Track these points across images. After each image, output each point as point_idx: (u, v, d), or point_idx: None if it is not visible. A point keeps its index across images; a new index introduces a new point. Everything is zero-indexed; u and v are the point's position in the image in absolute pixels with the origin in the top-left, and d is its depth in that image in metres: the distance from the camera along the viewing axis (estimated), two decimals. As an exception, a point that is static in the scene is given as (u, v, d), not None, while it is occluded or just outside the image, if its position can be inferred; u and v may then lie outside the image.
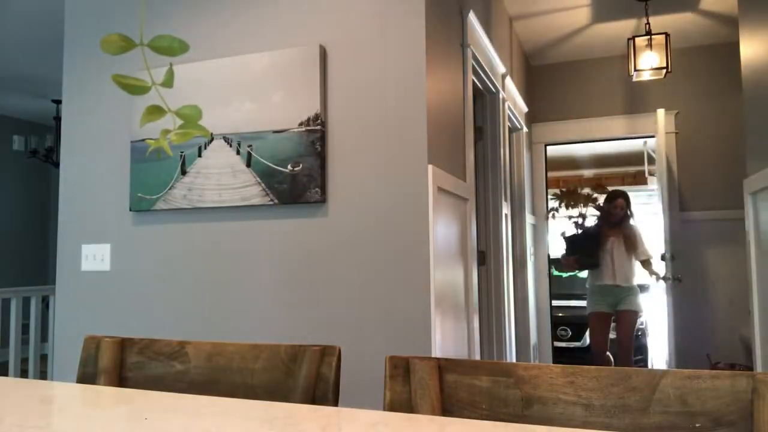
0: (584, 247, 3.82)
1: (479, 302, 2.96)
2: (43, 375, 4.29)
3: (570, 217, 4.13)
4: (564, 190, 3.95)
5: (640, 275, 4.01)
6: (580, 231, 4.00)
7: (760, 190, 2.17)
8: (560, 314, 4.75)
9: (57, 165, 5.31)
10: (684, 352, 4.09)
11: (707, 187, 4.12)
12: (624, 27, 3.85)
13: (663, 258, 3.81)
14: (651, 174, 6.11)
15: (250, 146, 2.04)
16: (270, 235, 2.04)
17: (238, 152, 2.06)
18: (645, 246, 3.90)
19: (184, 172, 2.13)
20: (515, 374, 0.82)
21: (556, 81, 4.53)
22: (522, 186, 3.90)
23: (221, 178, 2.08)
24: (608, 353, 3.91)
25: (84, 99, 2.39)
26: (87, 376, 1.08)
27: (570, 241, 3.93)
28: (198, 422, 0.73)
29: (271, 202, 2.00)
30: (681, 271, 4.13)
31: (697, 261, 4.11)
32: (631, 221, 3.91)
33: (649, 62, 3.47)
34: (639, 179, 7.07)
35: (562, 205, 3.96)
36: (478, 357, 2.51)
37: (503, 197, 3.18)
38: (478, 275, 2.86)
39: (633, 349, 3.88)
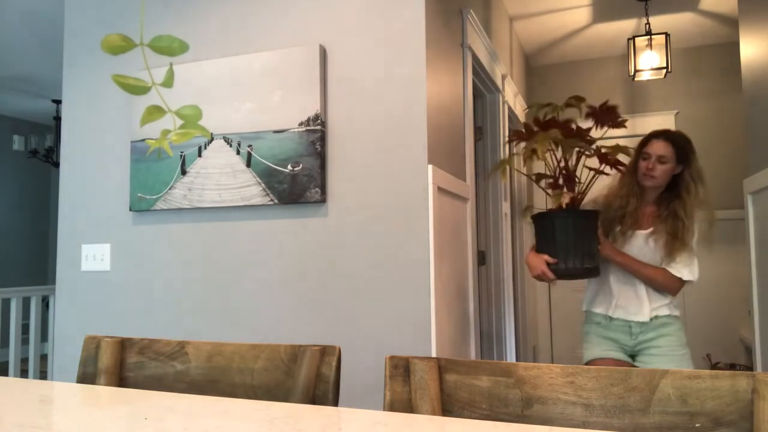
0: (569, 238, 1.90)
1: (479, 302, 2.97)
2: (43, 375, 4.29)
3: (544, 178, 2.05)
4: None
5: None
6: (564, 205, 1.93)
7: (760, 190, 2.17)
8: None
9: (57, 165, 5.31)
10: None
11: (707, 187, 4.12)
12: (624, 27, 3.85)
13: None
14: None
15: (250, 146, 2.04)
16: (270, 235, 2.04)
17: (238, 152, 2.06)
18: (694, 249, 2.00)
19: (184, 172, 2.13)
20: (515, 374, 0.82)
21: (556, 81, 4.53)
22: (522, 186, 3.90)
23: (221, 178, 2.08)
24: None
25: (84, 99, 2.39)
26: (87, 376, 1.08)
27: (544, 225, 1.97)
28: (198, 422, 0.73)
29: (271, 202, 2.00)
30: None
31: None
32: (688, 192, 2.02)
33: (649, 62, 3.47)
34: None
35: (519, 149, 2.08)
36: (478, 357, 2.51)
37: (503, 197, 3.18)
38: (478, 275, 2.87)
39: None
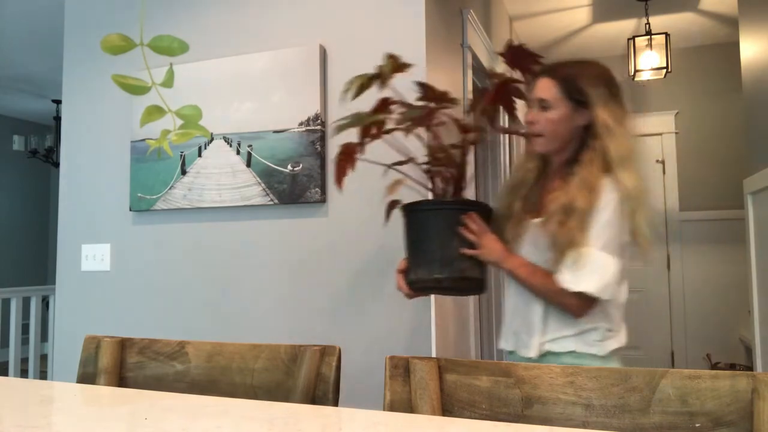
0: (414, 238, 1.41)
1: (479, 302, 2.96)
2: (43, 375, 4.29)
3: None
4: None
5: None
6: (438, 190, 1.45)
7: (760, 190, 2.17)
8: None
9: (57, 165, 5.31)
10: (684, 352, 4.10)
11: (707, 187, 4.12)
12: (624, 27, 3.85)
13: None
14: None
15: (250, 146, 2.04)
16: (270, 235, 2.04)
17: (238, 152, 2.06)
18: (599, 241, 1.24)
19: (184, 172, 2.13)
20: (515, 374, 0.81)
21: (556, 81, 4.53)
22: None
23: (221, 178, 2.07)
24: None
25: (84, 99, 2.39)
26: (87, 376, 1.08)
27: (414, 220, 1.42)
28: (198, 422, 0.73)
29: (271, 202, 2.00)
30: (681, 271, 4.14)
31: (696, 261, 4.11)
32: (592, 152, 1.29)
33: (649, 62, 3.47)
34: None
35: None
36: (478, 357, 2.51)
37: (503, 197, 3.18)
38: (478, 275, 2.86)
39: None
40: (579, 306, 1.25)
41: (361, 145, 1.40)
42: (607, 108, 1.30)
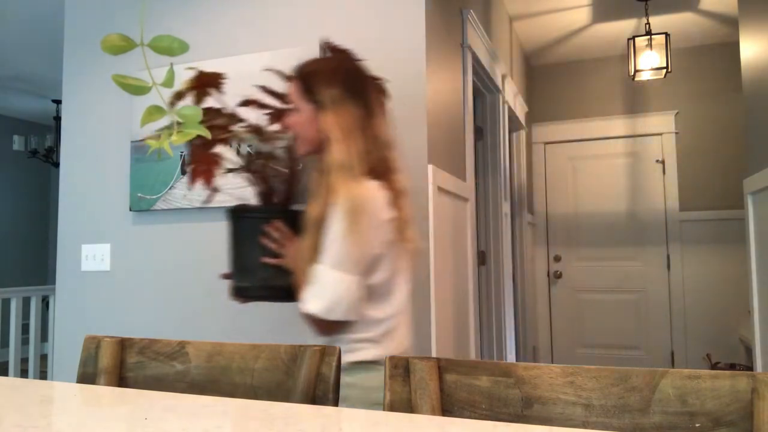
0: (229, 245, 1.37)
1: (479, 302, 2.96)
2: (43, 375, 4.29)
3: None
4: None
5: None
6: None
7: (760, 190, 2.17)
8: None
9: (57, 165, 5.31)
10: (684, 352, 4.10)
11: (707, 187, 4.12)
12: (624, 27, 3.85)
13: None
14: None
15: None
16: (270, 235, 2.03)
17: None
18: (330, 258, 1.16)
19: (184, 172, 2.13)
20: (515, 374, 0.81)
21: (556, 81, 4.53)
22: (522, 186, 3.90)
23: (221, 177, 2.07)
24: None
25: (84, 99, 2.39)
26: (87, 376, 1.08)
27: (231, 227, 1.40)
28: (198, 422, 0.73)
29: (271, 202, 2.00)
30: (681, 271, 4.14)
31: (696, 261, 4.11)
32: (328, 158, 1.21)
33: (649, 62, 3.47)
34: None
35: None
36: (478, 357, 2.51)
37: (503, 197, 3.18)
38: (478, 275, 2.86)
39: None
40: (316, 326, 1.19)
41: (211, 147, 1.37)
42: (337, 110, 1.21)
